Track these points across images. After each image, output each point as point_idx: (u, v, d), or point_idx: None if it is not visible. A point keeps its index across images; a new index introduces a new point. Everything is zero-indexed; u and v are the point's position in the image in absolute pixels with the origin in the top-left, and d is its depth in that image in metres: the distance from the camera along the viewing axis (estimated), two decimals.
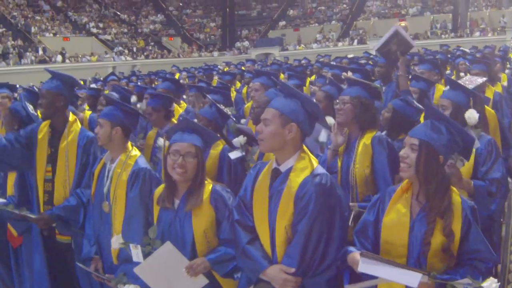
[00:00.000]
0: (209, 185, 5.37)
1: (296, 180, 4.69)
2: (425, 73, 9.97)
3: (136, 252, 5.34)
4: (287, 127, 4.69)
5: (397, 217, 4.51)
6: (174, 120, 8.64)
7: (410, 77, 9.64)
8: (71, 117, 7.21)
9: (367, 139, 6.05)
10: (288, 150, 4.78)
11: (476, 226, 4.42)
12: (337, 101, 6.42)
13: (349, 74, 8.60)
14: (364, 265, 4.20)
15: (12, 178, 7.49)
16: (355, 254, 4.40)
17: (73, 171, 6.99)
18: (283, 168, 4.81)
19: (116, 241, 5.54)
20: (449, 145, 4.45)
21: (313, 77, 15.05)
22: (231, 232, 5.18)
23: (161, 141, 7.42)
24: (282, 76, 14.57)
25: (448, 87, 6.32)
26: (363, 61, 18.79)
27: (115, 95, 9.43)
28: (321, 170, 4.80)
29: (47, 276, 7.16)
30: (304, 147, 4.91)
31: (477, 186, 5.86)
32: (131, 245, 5.38)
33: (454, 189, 4.51)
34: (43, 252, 7.16)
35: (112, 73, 17.99)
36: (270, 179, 4.87)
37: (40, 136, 7.04)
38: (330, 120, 6.44)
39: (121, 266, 5.75)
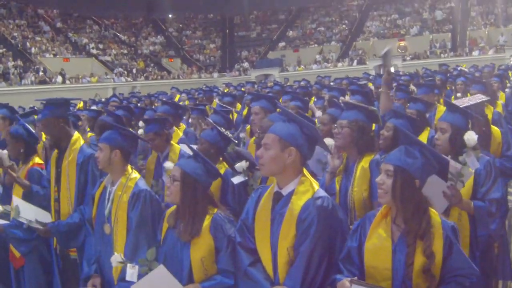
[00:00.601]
0: (212, 212, 5.38)
1: (298, 203, 4.73)
2: (424, 97, 9.98)
3: (131, 272, 5.40)
4: (287, 151, 4.75)
5: (378, 241, 4.53)
6: (173, 143, 8.64)
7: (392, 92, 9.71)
8: (75, 135, 7.31)
9: (365, 162, 6.11)
10: (288, 174, 4.84)
11: (458, 245, 4.46)
12: (335, 125, 6.44)
13: (347, 98, 8.61)
14: None
15: (18, 192, 7.54)
16: (344, 281, 4.39)
17: (73, 189, 7.14)
18: (284, 191, 4.85)
19: (115, 260, 5.59)
20: (424, 168, 4.48)
21: (312, 99, 15.03)
22: (228, 262, 5.21)
23: (168, 164, 7.46)
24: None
25: (446, 109, 6.35)
26: (363, 82, 18.78)
27: (108, 118, 9.38)
28: (322, 193, 4.84)
29: None
30: (305, 171, 4.96)
31: (477, 206, 5.88)
32: (128, 265, 5.44)
33: (433, 210, 4.54)
34: (56, 270, 7.40)
35: (114, 95, 18.03)
36: (272, 202, 4.91)
37: (52, 157, 7.28)
38: (329, 141, 6.47)
39: (119, 284, 5.78)
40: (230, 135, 7.61)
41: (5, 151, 7.51)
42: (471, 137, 5.94)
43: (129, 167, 6.33)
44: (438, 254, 4.36)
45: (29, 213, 6.93)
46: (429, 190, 4.85)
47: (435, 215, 4.50)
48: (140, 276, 5.32)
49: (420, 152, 4.48)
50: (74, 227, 6.86)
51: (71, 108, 7.63)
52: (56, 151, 7.30)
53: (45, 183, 7.55)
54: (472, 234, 5.90)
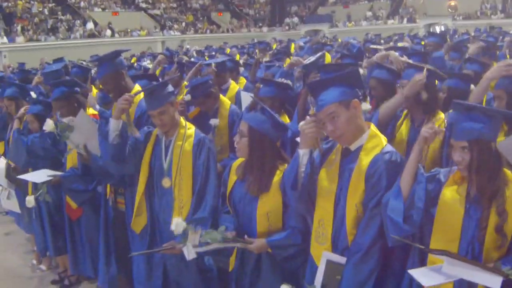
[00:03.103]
0: (282, 168, 5.28)
1: (366, 158, 4.65)
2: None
3: (193, 237, 5.28)
4: (351, 107, 4.63)
5: (451, 200, 4.39)
6: (223, 98, 8.58)
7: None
8: (135, 88, 7.25)
9: (438, 121, 5.96)
10: (357, 129, 4.73)
11: None
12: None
13: (404, 57, 8.36)
14: (448, 266, 4.11)
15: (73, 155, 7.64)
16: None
17: None
18: (353, 147, 4.77)
19: (177, 225, 5.34)
20: (494, 127, 4.28)
21: None
22: (298, 219, 5.22)
23: (214, 120, 7.42)
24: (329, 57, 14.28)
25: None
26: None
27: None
28: (390, 148, 4.76)
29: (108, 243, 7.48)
30: (372, 126, 4.89)
31: None
32: (190, 231, 5.29)
33: (506, 169, 4.38)
34: (105, 220, 7.44)
35: (167, 49, 17.97)
36: (340, 157, 4.85)
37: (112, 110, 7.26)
38: (365, 106, 6.40)
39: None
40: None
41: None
42: None
43: (181, 117, 6.32)
44: (511, 214, 4.23)
45: (80, 136, 6.95)
46: (509, 145, 4.76)
47: (508, 173, 4.36)
48: (200, 244, 5.28)
49: (481, 113, 4.26)
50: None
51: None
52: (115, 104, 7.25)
53: None
54: None
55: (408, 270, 4.36)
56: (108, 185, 7.30)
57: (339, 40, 25.91)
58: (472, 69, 8.26)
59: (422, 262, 4.49)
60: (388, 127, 6.20)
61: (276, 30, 61.01)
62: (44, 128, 7.17)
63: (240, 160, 5.56)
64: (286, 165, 5.22)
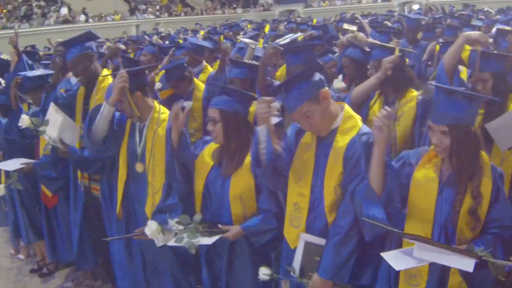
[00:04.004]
0: None
1: (343, 140, 4.66)
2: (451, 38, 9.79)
3: (168, 238, 5.31)
4: (320, 98, 4.60)
5: (424, 180, 4.40)
6: (196, 81, 8.60)
7: None
8: (103, 72, 7.26)
9: (410, 98, 6.11)
10: (332, 116, 4.72)
11: (504, 192, 4.37)
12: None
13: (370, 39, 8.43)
14: (419, 251, 4.09)
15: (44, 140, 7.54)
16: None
17: None
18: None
19: (150, 228, 5.35)
20: (474, 109, 4.28)
21: None
22: (271, 202, 5.24)
23: (187, 103, 7.40)
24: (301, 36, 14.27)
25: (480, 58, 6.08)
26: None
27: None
28: (367, 129, 4.74)
29: (81, 228, 7.51)
30: (346, 106, 4.88)
31: None
32: (165, 232, 5.30)
33: (483, 152, 4.40)
34: (82, 206, 7.47)
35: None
36: (316, 140, 4.84)
37: (78, 94, 7.28)
38: (340, 84, 6.41)
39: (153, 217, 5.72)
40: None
41: None
42: None
43: (155, 102, 6.29)
44: (485, 197, 4.26)
45: (54, 130, 6.90)
46: (501, 125, 4.77)
47: (486, 158, 4.38)
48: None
49: (462, 97, 4.22)
50: (93, 157, 6.77)
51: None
52: (83, 88, 7.23)
53: None
54: None
55: (381, 253, 4.35)
56: (79, 172, 7.29)
57: (315, 20, 25.88)
58: None
59: (400, 245, 4.49)
60: (361, 109, 6.20)
61: (251, 11, 60.83)
62: (19, 124, 7.08)
63: (214, 145, 5.54)
64: None
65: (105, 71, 7.30)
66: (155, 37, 23.41)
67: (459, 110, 4.15)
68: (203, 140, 5.71)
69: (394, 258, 4.22)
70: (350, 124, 4.73)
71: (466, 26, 12.27)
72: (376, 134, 4.24)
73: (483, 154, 4.38)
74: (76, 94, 7.31)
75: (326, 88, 4.70)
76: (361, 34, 8.58)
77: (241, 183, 5.29)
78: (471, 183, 4.25)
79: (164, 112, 6.16)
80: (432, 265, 4.22)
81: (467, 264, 3.90)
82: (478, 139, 4.33)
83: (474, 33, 6.01)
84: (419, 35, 11.93)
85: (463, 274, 4.23)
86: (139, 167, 6.15)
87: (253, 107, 6.20)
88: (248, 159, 5.24)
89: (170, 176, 5.76)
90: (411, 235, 4.19)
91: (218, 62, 10.70)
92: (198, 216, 5.24)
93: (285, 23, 23.92)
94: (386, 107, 4.24)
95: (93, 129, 6.06)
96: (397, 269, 4.19)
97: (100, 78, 7.14)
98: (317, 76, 4.65)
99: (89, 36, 7.18)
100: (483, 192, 4.25)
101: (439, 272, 4.34)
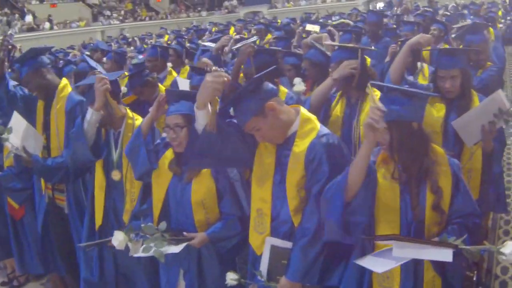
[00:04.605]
0: None
1: (302, 143, 4.64)
2: (408, 35, 9.88)
3: (135, 248, 5.23)
4: (267, 111, 4.55)
5: (384, 180, 4.41)
6: (161, 86, 8.57)
7: None
8: (62, 82, 7.26)
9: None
10: (286, 122, 4.70)
11: (464, 182, 4.44)
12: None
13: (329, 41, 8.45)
14: (398, 250, 4.09)
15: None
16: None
17: (63, 137, 7.07)
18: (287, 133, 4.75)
19: (118, 239, 5.24)
20: (416, 106, 4.31)
21: None
22: (233, 206, 5.24)
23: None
24: (269, 35, 14.30)
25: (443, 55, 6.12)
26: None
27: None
28: (325, 130, 4.75)
29: (46, 238, 7.53)
30: (302, 108, 4.85)
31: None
32: (132, 243, 5.23)
33: (437, 146, 4.47)
34: (45, 217, 7.41)
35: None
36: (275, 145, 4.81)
37: (37, 107, 7.24)
38: (300, 87, 6.45)
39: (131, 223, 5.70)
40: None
41: None
42: None
43: (127, 109, 6.31)
44: (447, 190, 4.33)
45: (17, 138, 6.77)
46: (466, 122, 4.83)
47: (440, 151, 4.44)
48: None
49: (400, 94, 4.26)
50: (56, 166, 6.71)
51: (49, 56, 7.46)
52: (41, 102, 7.23)
53: None
54: (485, 173, 5.83)
55: (355, 261, 4.40)
56: (43, 181, 7.25)
57: (279, 21, 25.90)
58: None
59: (370, 244, 4.51)
60: (321, 111, 6.21)
61: (215, 13, 60.68)
62: None
63: (170, 155, 5.50)
64: None
65: (64, 80, 7.31)
66: (114, 45, 23.30)
67: (396, 107, 4.19)
68: (164, 141, 5.62)
69: (372, 262, 4.26)
70: (308, 127, 4.72)
71: (430, 23, 12.26)
72: (366, 133, 4.10)
73: (436, 148, 4.44)
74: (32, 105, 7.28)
75: (275, 98, 4.68)
76: (325, 35, 8.60)
77: (202, 189, 5.28)
78: (429, 179, 4.30)
79: (137, 119, 6.17)
80: (403, 265, 4.22)
81: (446, 255, 3.97)
82: (425, 135, 4.37)
83: (414, 39, 6.17)
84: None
85: (436, 268, 4.34)
86: (115, 175, 6.16)
87: None
88: None
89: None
90: (385, 236, 4.24)
91: (186, 67, 10.73)
92: (163, 225, 5.18)
93: (252, 24, 23.88)
94: (377, 102, 4.20)
95: (84, 141, 6.07)
96: (379, 271, 4.24)
97: (59, 87, 7.15)
98: (263, 88, 4.63)
99: (39, 51, 7.20)
100: (444, 185, 4.33)
101: (412, 270, 4.38)
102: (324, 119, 6.06)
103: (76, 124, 6.20)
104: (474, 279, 6.98)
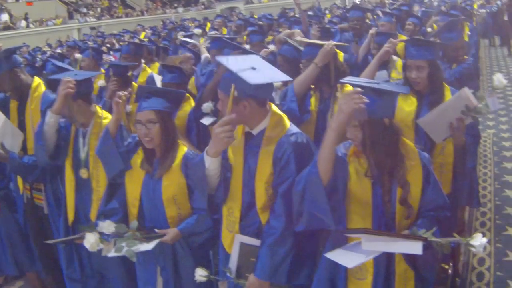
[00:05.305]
0: (182, 151, 5.31)
1: (271, 140, 4.63)
2: (386, 25, 9.92)
3: (107, 249, 5.20)
4: (240, 106, 4.50)
5: (357, 175, 4.40)
6: (134, 84, 8.42)
7: None
8: (34, 82, 7.22)
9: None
10: (255, 119, 4.67)
11: (434, 175, 4.45)
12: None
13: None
14: (367, 243, 4.10)
15: None
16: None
17: None
18: (255, 131, 4.72)
19: (90, 241, 5.19)
20: (387, 103, 4.31)
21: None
22: (202, 201, 5.13)
23: (127, 108, 7.36)
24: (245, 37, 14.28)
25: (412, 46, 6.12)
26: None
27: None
28: (295, 129, 4.74)
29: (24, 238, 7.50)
30: (273, 106, 4.82)
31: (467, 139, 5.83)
32: (104, 244, 5.20)
33: (407, 140, 4.47)
34: (23, 216, 7.45)
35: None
36: (243, 141, 4.81)
37: (11, 107, 7.18)
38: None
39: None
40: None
41: None
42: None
43: (97, 107, 6.28)
44: (418, 183, 4.34)
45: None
46: (432, 119, 4.84)
47: (410, 145, 4.44)
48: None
49: (370, 91, 4.20)
50: (33, 164, 6.67)
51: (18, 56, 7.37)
52: (15, 102, 7.18)
53: None
54: (458, 167, 5.83)
55: (326, 254, 4.38)
56: (21, 181, 7.20)
57: (255, 17, 25.91)
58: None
59: (342, 237, 4.47)
60: (306, 99, 6.27)
61: (192, 9, 60.60)
62: None
63: (140, 157, 5.49)
64: (186, 147, 5.35)
65: (36, 80, 7.27)
66: (90, 43, 23.23)
67: (368, 105, 4.08)
68: (135, 140, 5.61)
69: (342, 257, 4.24)
70: (278, 124, 4.71)
71: (406, 18, 12.26)
72: (337, 114, 4.07)
73: (406, 141, 4.44)
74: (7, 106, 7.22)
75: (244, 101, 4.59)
76: (298, 31, 8.61)
77: (173, 185, 5.26)
78: (397, 173, 4.30)
79: (106, 117, 6.14)
80: (376, 257, 4.21)
81: (416, 248, 3.97)
82: (395, 130, 4.35)
83: (382, 51, 6.53)
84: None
85: (408, 261, 4.36)
86: (83, 173, 6.15)
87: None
88: (177, 160, 5.26)
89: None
90: (355, 230, 4.25)
91: (156, 64, 10.72)
92: (134, 223, 5.19)
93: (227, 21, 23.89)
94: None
95: (43, 143, 6.04)
96: (349, 266, 4.21)
97: (33, 86, 7.12)
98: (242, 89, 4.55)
99: (13, 50, 7.15)
100: (415, 179, 4.34)
101: (385, 263, 4.39)
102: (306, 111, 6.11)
103: (38, 126, 6.17)
104: (450, 271, 7.01)
